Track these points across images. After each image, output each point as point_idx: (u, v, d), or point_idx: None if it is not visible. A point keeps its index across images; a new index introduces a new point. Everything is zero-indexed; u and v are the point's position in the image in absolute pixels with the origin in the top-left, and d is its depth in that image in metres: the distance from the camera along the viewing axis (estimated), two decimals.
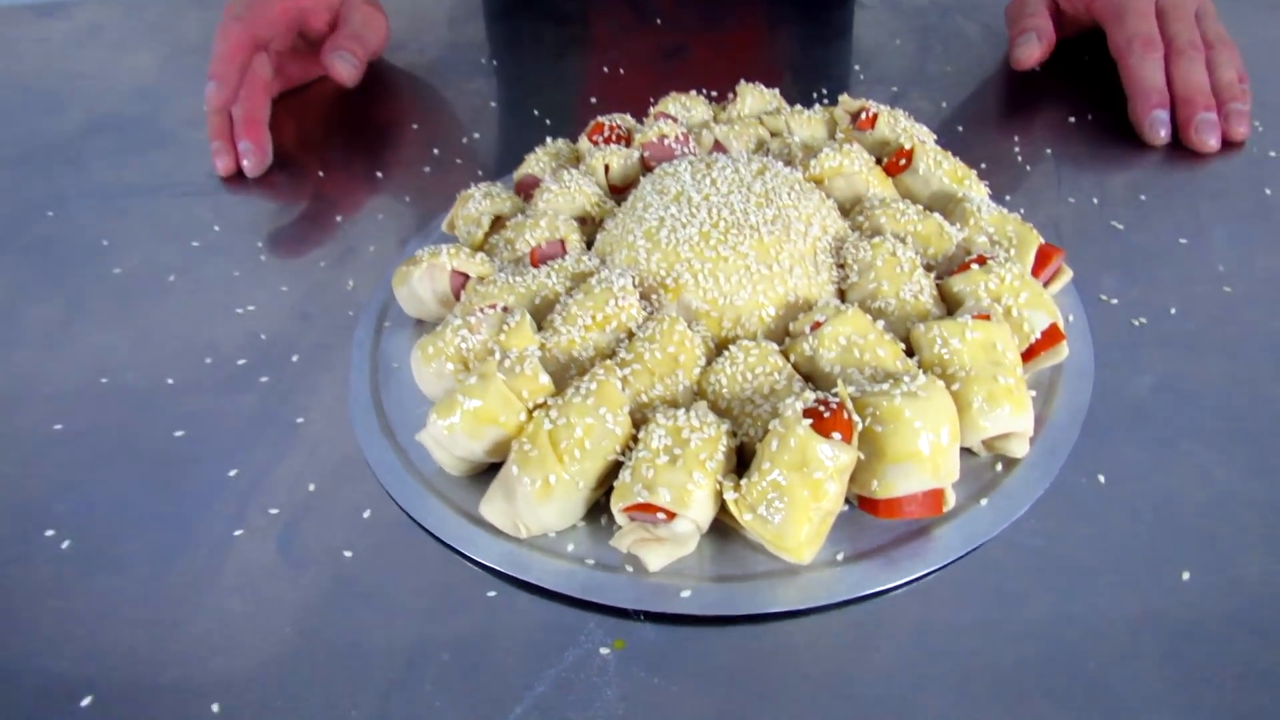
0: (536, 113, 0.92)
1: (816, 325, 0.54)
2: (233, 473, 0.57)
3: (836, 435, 0.46)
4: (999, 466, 0.52)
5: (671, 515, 0.47)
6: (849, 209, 0.66)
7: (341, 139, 0.90)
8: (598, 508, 0.51)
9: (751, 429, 0.51)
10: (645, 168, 0.71)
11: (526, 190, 0.72)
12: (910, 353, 0.54)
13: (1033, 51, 0.87)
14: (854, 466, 0.47)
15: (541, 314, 0.58)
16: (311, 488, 0.56)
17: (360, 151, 0.88)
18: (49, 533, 0.54)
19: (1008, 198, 0.74)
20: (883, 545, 0.49)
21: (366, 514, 0.54)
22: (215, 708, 0.45)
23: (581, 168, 0.72)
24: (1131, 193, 0.74)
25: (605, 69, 0.98)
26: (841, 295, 0.60)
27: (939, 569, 0.48)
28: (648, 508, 0.47)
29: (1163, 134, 0.78)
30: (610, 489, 0.49)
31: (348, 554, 0.52)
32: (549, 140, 0.77)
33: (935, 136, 0.72)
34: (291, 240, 0.77)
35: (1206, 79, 0.79)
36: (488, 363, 0.52)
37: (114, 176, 0.87)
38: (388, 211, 0.80)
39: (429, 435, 0.52)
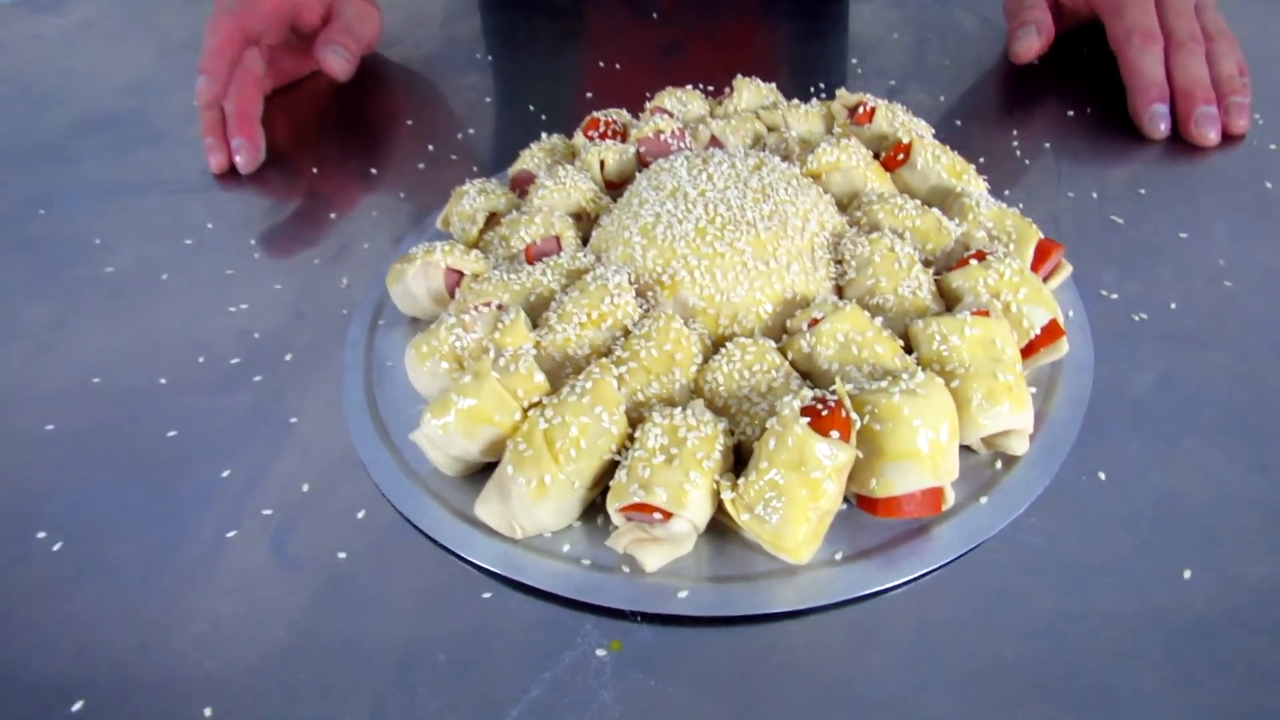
0: (532, 108, 0.91)
1: (814, 322, 0.54)
2: (226, 473, 0.56)
3: (835, 434, 0.46)
4: (998, 464, 0.52)
5: (668, 515, 0.46)
6: (846, 204, 0.66)
7: (335, 135, 0.89)
8: (594, 507, 0.51)
9: (749, 427, 0.50)
10: (641, 163, 0.71)
11: (521, 186, 0.71)
12: (909, 349, 0.54)
13: (1032, 45, 0.86)
14: (852, 465, 0.47)
15: (537, 311, 0.58)
16: (305, 488, 0.55)
17: (354, 148, 0.87)
18: (40, 534, 0.54)
19: (1006, 192, 0.74)
20: (881, 544, 0.48)
21: (361, 514, 0.53)
22: (208, 711, 0.45)
23: (577, 163, 0.71)
24: (1131, 187, 0.74)
25: (601, 64, 0.97)
26: (839, 292, 0.60)
27: (938, 568, 0.48)
28: (644, 508, 0.46)
29: (1162, 127, 0.77)
30: (606, 489, 0.48)
31: (342, 555, 0.51)
32: (544, 136, 0.76)
33: (933, 131, 0.72)
34: (285, 238, 0.77)
35: (1206, 72, 0.78)
36: (482, 361, 0.52)
37: (106, 174, 0.86)
38: (382, 208, 0.79)
39: (423, 435, 0.52)
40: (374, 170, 0.84)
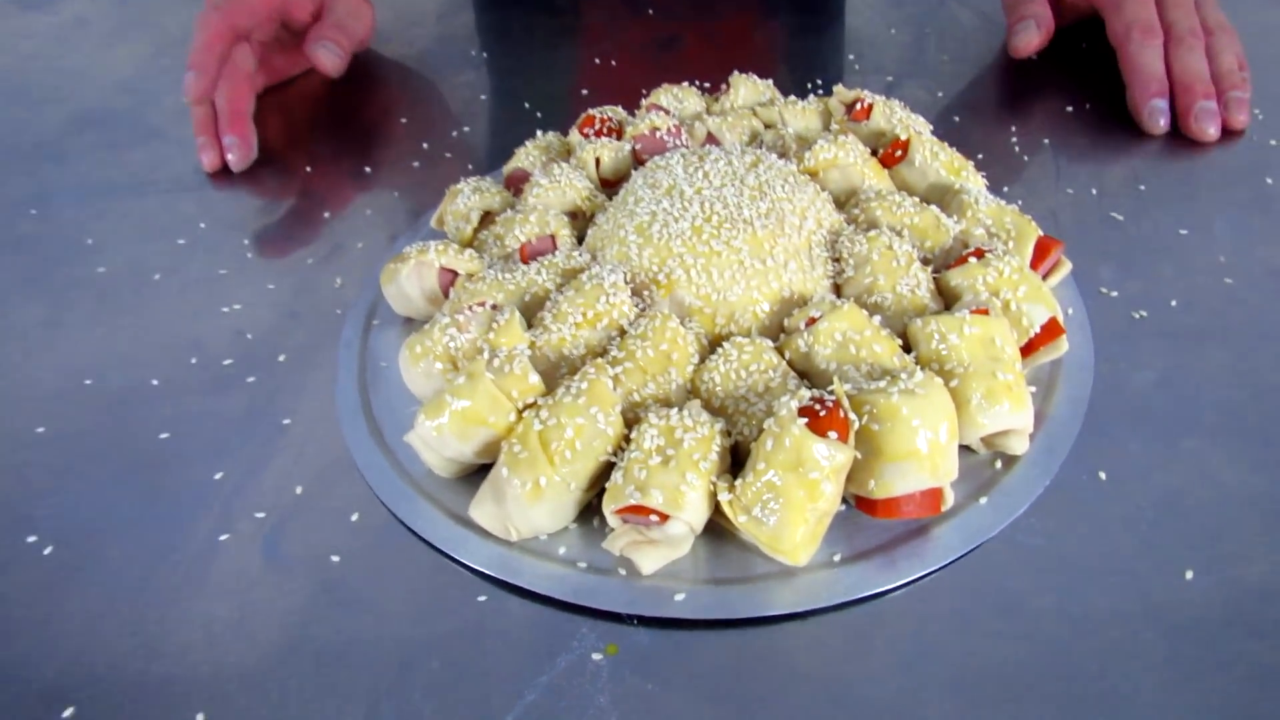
0: (527, 105, 0.90)
1: (812, 321, 0.53)
2: (218, 475, 0.56)
3: (833, 434, 0.45)
4: (998, 464, 0.51)
5: (665, 517, 0.46)
6: (844, 202, 0.65)
7: (329, 133, 0.88)
8: (590, 509, 0.50)
9: (746, 428, 0.50)
10: (637, 161, 0.70)
11: (516, 185, 0.71)
12: (907, 348, 0.53)
13: (1032, 39, 0.86)
14: (851, 466, 0.46)
15: (531, 311, 0.57)
16: (299, 490, 0.55)
17: (348, 146, 0.86)
18: (31, 538, 0.53)
19: (1005, 189, 0.73)
20: (880, 546, 0.48)
21: (354, 517, 0.53)
22: (200, 717, 0.44)
23: (572, 161, 0.70)
24: (1131, 183, 0.73)
25: (597, 60, 0.97)
26: (837, 290, 0.59)
27: (938, 569, 0.47)
28: (640, 510, 0.46)
29: (1162, 123, 0.77)
30: (602, 490, 0.48)
31: (335, 558, 0.51)
32: (539, 133, 0.75)
33: (931, 127, 0.71)
34: (278, 237, 0.76)
35: (1206, 66, 0.78)
36: (476, 362, 0.51)
37: (98, 173, 0.85)
38: (376, 207, 0.78)
39: (417, 436, 0.51)
40: (368, 169, 0.83)
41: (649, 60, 0.97)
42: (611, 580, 0.47)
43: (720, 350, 0.53)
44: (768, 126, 0.74)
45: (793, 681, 0.44)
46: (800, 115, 0.74)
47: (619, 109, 0.76)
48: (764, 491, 0.45)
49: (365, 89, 0.94)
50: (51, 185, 0.84)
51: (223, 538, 0.52)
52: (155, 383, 0.63)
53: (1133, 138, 0.78)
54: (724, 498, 0.46)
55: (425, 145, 0.85)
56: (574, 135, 0.74)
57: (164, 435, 0.59)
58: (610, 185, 0.70)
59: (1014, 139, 0.79)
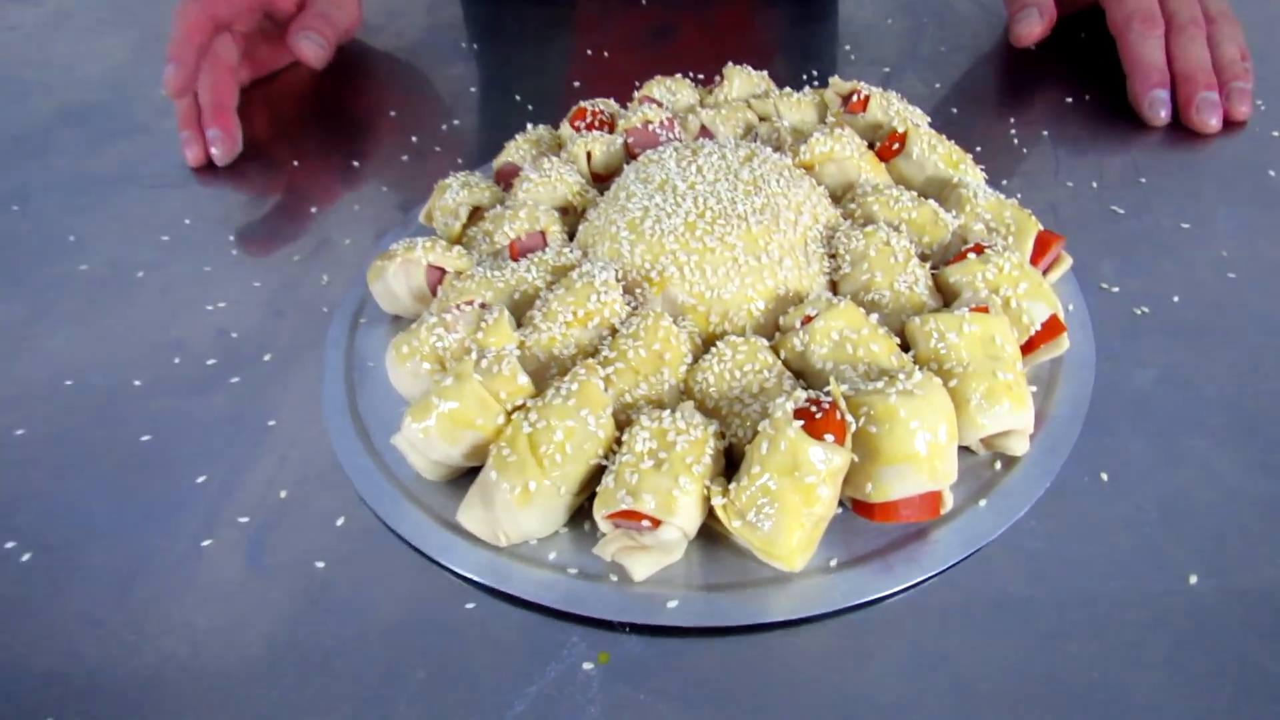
0: (518, 98, 0.89)
1: (807, 319, 0.52)
2: (201, 479, 0.55)
3: (829, 437, 0.44)
4: (998, 465, 0.50)
5: (657, 522, 0.45)
6: (840, 196, 0.64)
7: (316, 127, 0.87)
8: (581, 513, 0.49)
9: (740, 430, 0.49)
10: (629, 155, 0.69)
11: (506, 179, 0.69)
12: (905, 347, 0.52)
13: (1033, 27, 0.84)
14: (847, 469, 0.45)
15: (521, 310, 0.56)
16: (283, 494, 0.53)
17: (335, 140, 0.85)
18: (9, 544, 0.52)
19: (1004, 182, 0.72)
20: (878, 550, 0.47)
21: (340, 522, 0.52)
22: None
23: (563, 155, 0.69)
24: (1131, 175, 0.72)
25: (589, 51, 0.95)
26: (833, 287, 0.58)
27: (937, 574, 0.46)
28: (632, 515, 0.45)
29: (1163, 114, 0.76)
30: (593, 494, 0.47)
31: (320, 564, 0.50)
32: (530, 126, 0.74)
33: (929, 119, 0.70)
34: (264, 233, 0.75)
35: (1208, 56, 0.76)
36: (464, 362, 0.50)
37: (81, 168, 0.84)
38: (364, 202, 0.77)
39: (404, 439, 0.50)
40: (356, 163, 0.81)
41: (643, 50, 0.95)
42: (603, 587, 0.46)
43: (714, 350, 0.52)
44: (762, 119, 0.72)
45: (789, 691, 0.43)
46: (795, 108, 0.72)
47: (611, 101, 0.75)
48: (759, 496, 0.44)
49: (353, 82, 0.93)
50: (33, 180, 0.83)
51: (206, 543, 0.51)
52: (137, 383, 0.62)
53: (1133, 129, 0.77)
54: (718, 502, 0.45)
55: (414, 139, 0.84)
56: (565, 129, 0.73)
57: (146, 437, 0.58)
58: (602, 180, 0.68)
59: (1013, 131, 0.78)
